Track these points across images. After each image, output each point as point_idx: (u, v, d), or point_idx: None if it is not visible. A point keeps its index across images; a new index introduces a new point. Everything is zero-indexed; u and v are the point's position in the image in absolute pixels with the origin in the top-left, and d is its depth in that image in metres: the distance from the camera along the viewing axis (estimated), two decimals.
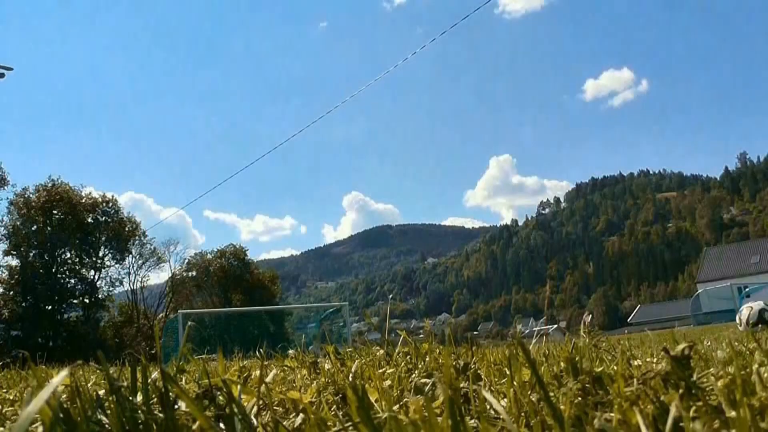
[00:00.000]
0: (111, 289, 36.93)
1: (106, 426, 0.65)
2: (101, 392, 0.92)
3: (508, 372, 0.96)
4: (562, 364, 1.05)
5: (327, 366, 1.44)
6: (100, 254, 35.92)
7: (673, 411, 0.62)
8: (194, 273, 42.59)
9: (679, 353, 0.76)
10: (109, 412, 0.67)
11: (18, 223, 33.35)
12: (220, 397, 0.70)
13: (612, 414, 0.70)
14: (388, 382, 1.08)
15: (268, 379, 1.03)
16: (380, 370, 1.24)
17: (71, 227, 33.70)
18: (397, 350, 1.52)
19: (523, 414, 0.79)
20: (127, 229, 36.72)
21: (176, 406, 0.65)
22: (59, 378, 0.40)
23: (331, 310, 24.83)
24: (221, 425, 0.64)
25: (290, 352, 1.83)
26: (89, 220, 35.19)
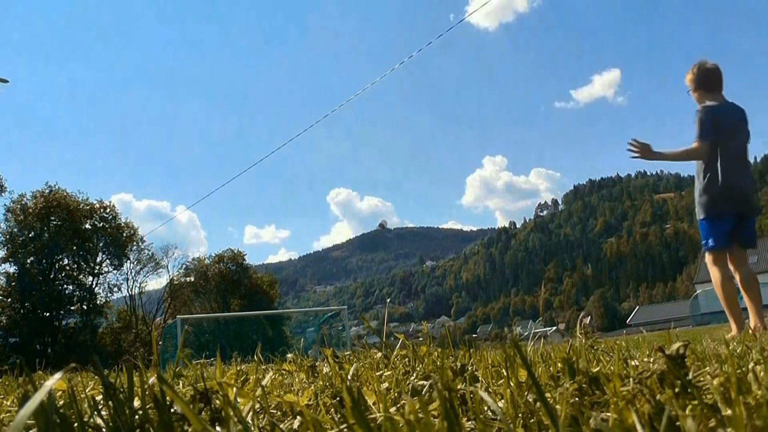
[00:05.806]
0: (109, 295, 36.92)
1: (103, 430, 0.65)
2: (98, 396, 0.92)
3: (505, 373, 0.96)
4: (559, 364, 1.05)
5: (325, 369, 1.44)
6: (98, 260, 35.88)
7: (668, 410, 0.62)
8: (192, 278, 42.52)
9: (674, 352, 0.76)
10: (105, 415, 0.67)
11: (15, 230, 33.31)
12: (217, 401, 0.70)
13: (608, 413, 0.70)
14: (385, 385, 1.08)
15: (264, 382, 1.03)
16: (378, 373, 1.23)
17: (69, 233, 33.66)
18: (395, 353, 1.51)
19: (520, 415, 0.79)
20: (124, 234, 36.69)
21: (172, 410, 0.65)
22: (53, 380, 0.40)
23: (329, 314, 24.72)
24: (217, 428, 0.64)
25: (289, 356, 1.83)
26: (87, 226, 35.16)
